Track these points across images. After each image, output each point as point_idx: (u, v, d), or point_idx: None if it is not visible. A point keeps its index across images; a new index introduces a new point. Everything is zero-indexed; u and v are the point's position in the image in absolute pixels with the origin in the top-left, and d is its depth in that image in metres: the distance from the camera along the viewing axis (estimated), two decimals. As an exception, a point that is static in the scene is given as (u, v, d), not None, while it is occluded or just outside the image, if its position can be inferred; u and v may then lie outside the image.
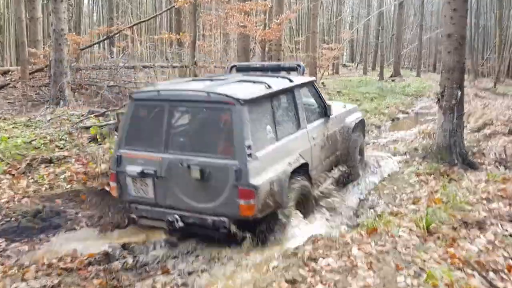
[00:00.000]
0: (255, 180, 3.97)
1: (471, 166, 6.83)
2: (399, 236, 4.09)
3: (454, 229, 4.36)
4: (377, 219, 4.75)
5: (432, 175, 5.98)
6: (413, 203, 5.14)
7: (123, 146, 4.56)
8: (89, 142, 6.94)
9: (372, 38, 34.54)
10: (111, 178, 4.67)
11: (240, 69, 6.26)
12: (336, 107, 6.24)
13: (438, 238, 4.11)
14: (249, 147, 3.99)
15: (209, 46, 15.07)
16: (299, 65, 5.94)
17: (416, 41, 31.97)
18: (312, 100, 5.72)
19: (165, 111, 4.39)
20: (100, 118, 8.15)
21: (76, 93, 11.32)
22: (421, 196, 5.30)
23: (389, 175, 6.46)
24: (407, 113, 14.85)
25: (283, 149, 4.55)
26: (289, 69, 5.93)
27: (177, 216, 4.27)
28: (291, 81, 5.11)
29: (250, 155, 3.98)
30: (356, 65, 39.19)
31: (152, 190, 4.38)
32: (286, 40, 24.43)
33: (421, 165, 6.72)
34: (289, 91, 4.99)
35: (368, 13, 30.82)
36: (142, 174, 4.32)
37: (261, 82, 4.64)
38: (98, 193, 5.74)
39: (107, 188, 5.33)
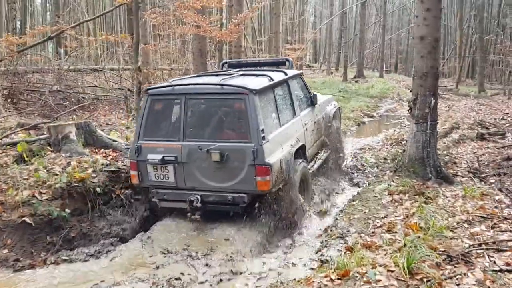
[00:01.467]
0: (269, 159, 4.61)
1: (445, 180, 6.29)
2: (377, 282, 3.39)
3: (438, 266, 3.71)
4: (348, 254, 4.05)
5: (407, 194, 5.36)
6: (388, 230, 4.48)
7: (142, 137, 5.06)
8: (14, 161, 5.89)
9: (335, 38, 34.35)
10: (131, 168, 5.15)
11: (231, 65, 7.04)
12: (320, 96, 7.05)
13: (422, 280, 3.45)
14: (262, 130, 4.61)
15: (164, 47, 14.10)
16: (287, 60, 6.87)
17: (379, 42, 32.05)
18: (301, 91, 6.36)
19: (182, 104, 4.91)
20: (32, 131, 7.07)
21: (9, 101, 10.07)
22: (396, 222, 4.64)
23: (358, 193, 5.79)
24: (372, 116, 14.42)
25: (285, 133, 5.22)
26: (278, 64, 6.87)
27: (198, 196, 4.81)
28: (285, 74, 5.88)
29: (263, 137, 4.61)
30: (319, 65, 38.97)
31: (173, 174, 4.92)
32: (248, 40, 23.68)
33: (393, 180, 6.10)
34: (285, 82, 5.73)
35: (331, 13, 30.58)
36: (163, 161, 4.86)
37: (263, 75, 5.41)
38: (17, 227, 4.77)
39: (28, 220, 4.82)
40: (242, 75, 5.49)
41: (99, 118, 10.56)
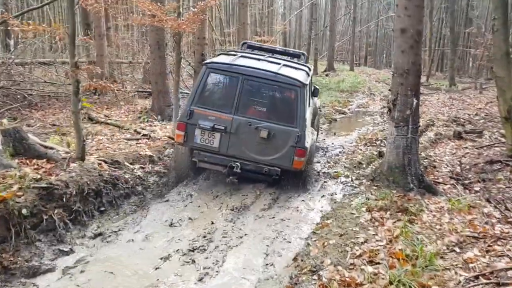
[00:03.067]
0: (307, 143, 5.52)
1: (428, 189, 5.65)
2: None
3: (433, 312, 3.02)
4: (324, 296, 3.29)
5: (388, 212, 4.65)
6: (370, 261, 3.76)
7: (195, 103, 5.66)
8: None
9: (305, 30, 33.70)
10: (178, 128, 5.71)
11: (250, 47, 7.78)
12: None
13: (416, 337, 2.74)
14: (306, 119, 5.58)
15: (122, 39, 12.97)
16: (303, 54, 7.68)
17: (349, 34, 31.61)
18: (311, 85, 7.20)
19: (238, 82, 5.59)
20: None
21: None
22: (378, 249, 3.92)
23: (333, 209, 5.06)
24: (344, 113, 13.79)
25: (309, 120, 6.04)
26: (294, 56, 7.54)
27: (238, 163, 5.59)
28: (309, 69, 6.64)
29: (306, 125, 5.55)
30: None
31: (218, 141, 5.59)
32: (215, 32, 22.64)
33: (371, 192, 5.40)
34: (311, 79, 6.59)
35: (300, 4, 29.83)
36: (213, 129, 5.53)
37: (302, 69, 6.20)
38: None
39: None
40: (284, 65, 6.02)
41: (47, 118, 9.46)
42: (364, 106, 15.35)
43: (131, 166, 6.29)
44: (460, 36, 27.24)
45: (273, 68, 5.76)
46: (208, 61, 6.12)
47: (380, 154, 7.96)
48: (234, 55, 6.26)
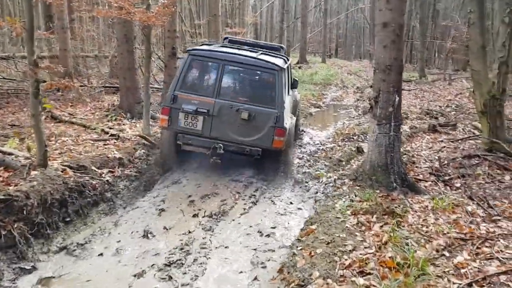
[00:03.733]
0: (286, 124, 5.82)
1: (411, 188, 5.51)
2: None
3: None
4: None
5: (374, 215, 4.45)
6: (361, 272, 3.54)
7: (178, 89, 5.88)
8: None
9: (277, 22, 33.38)
10: (163, 112, 5.91)
11: (232, 41, 7.94)
12: None
13: None
14: (284, 101, 5.88)
15: (87, 31, 12.29)
16: (282, 47, 7.99)
17: (320, 26, 31.53)
18: (290, 75, 7.46)
19: (219, 68, 5.87)
20: None
21: None
22: (368, 257, 3.72)
23: (317, 212, 4.82)
24: (319, 106, 13.64)
25: (288, 105, 6.33)
26: (274, 49, 7.55)
27: (221, 145, 5.80)
28: (288, 59, 7.04)
29: (285, 107, 5.85)
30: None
31: (201, 124, 5.81)
32: (185, 24, 22.04)
33: (354, 193, 5.19)
34: (289, 66, 6.96)
35: (272, -5, 29.51)
36: (196, 112, 5.76)
37: (281, 57, 6.60)
38: None
39: None
40: (263, 53, 6.41)
41: (5, 117, 8.82)
42: (338, 99, 15.25)
43: (99, 171, 5.86)
44: (428, 28, 27.63)
45: (252, 54, 6.16)
46: (190, 48, 6.47)
47: (359, 150, 7.82)
48: (216, 44, 6.90)
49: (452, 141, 8.71)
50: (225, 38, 8.31)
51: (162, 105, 6.23)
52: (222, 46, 6.65)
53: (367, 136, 6.45)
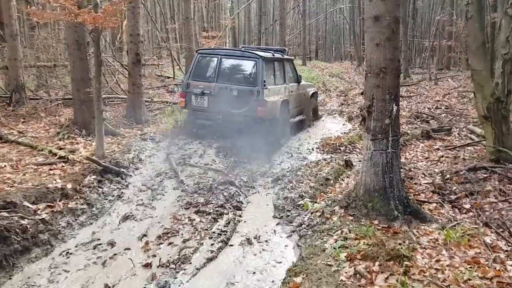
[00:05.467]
0: (266, 98, 7.61)
1: (415, 215, 4.55)
2: None
3: None
4: None
5: (376, 262, 3.46)
6: None
7: (190, 78, 8.15)
8: None
9: (255, 25, 32.50)
10: (181, 96, 8.22)
11: (246, 47, 9.98)
12: (304, 82, 10.46)
13: None
14: (264, 81, 7.65)
15: (44, 38, 11.07)
16: (284, 49, 10.50)
17: (299, 27, 30.72)
18: (290, 70, 9.46)
19: (217, 60, 8.01)
20: None
21: None
22: (374, 329, 2.71)
23: (302, 257, 3.80)
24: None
25: (277, 89, 8.32)
26: (279, 51, 9.84)
27: (220, 117, 7.77)
28: (283, 56, 9.33)
29: (264, 85, 7.65)
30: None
31: (207, 102, 7.88)
32: (158, 28, 20.90)
33: (347, 226, 4.20)
34: (281, 61, 8.95)
35: (248, -4, 28.57)
36: (202, 94, 7.86)
37: (269, 51, 9.11)
38: None
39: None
40: (257, 49, 9.01)
41: None
42: (321, 103, 14.32)
43: (33, 207, 4.75)
44: (408, 27, 27.10)
45: (242, 50, 8.55)
46: (198, 49, 9.67)
47: (347, 164, 6.87)
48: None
49: (449, 149, 7.83)
50: (243, 47, 10.44)
51: (179, 90, 8.79)
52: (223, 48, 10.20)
53: (361, 155, 5.48)
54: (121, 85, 12.15)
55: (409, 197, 4.92)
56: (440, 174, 6.16)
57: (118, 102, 11.30)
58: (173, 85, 15.34)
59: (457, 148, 7.83)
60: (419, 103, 13.95)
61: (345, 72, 25.90)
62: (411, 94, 15.54)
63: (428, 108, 12.80)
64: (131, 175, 6.31)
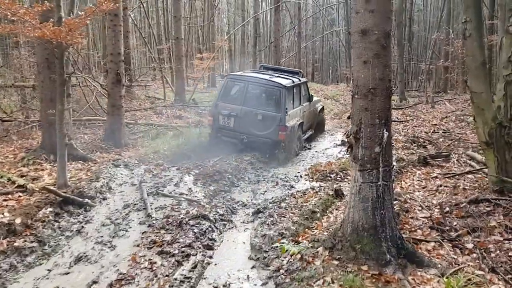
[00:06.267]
0: (287, 123, 8.43)
1: (410, 259, 3.92)
2: None
3: None
4: None
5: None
6: None
7: (219, 100, 8.91)
8: None
9: (251, 47, 32.30)
10: (210, 115, 9.04)
11: (265, 67, 11.40)
12: (314, 97, 11.27)
13: None
14: (286, 108, 8.42)
15: (18, 58, 10.55)
16: (300, 71, 11.11)
17: (294, 50, 30.52)
18: (304, 91, 10.43)
19: (244, 85, 8.80)
20: None
21: None
22: None
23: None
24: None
25: (295, 113, 9.07)
26: (294, 73, 10.74)
27: (245, 137, 8.54)
28: (299, 80, 9.99)
29: (286, 112, 8.41)
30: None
31: (233, 123, 8.62)
32: (149, 48, 20.54)
33: (331, 273, 3.56)
34: (298, 85, 9.69)
35: (243, 18, 28.38)
36: (229, 115, 8.61)
37: (290, 78, 9.44)
38: None
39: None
40: (278, 76, 9.37)
41: None
42: (314, 126, 13.75)
43: (-31, 247, 4.11)
44: (404, 50, 26.96)
45: (268, 77, 9.07)
46: (227, 74, 10.77)
47: (337, 193, 6.26)
48: (250, 70, 11.51)
49: (448, 177, 7.24)
50: (261, 66, 11.70)
51: (209, 110, 9.64)
52: (252, 72, 10.73)
53: (348, 187, 4.88)
54: (104, 107, 11.60)
55: (404, 235, 4.32)
56: (438, 207, 5.56)
57: (100, 124, 10.73)
58: (161, 106, 14.83)
59: (457, 176, 7.24)
60: (415, 126, 13.41)
61: (341, 95, 25.48)
62: (407, 118, 15.01)
63: (425, 132, 12.25)
64: (96, 206, 5.67)
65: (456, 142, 10.49)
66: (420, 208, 5.66)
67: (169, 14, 24.88)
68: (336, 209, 5.63)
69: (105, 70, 14.17)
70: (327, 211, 5.55)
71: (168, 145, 8.85)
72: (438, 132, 12.19)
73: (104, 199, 5.93)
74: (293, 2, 31.76)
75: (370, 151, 3.82)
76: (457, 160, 8.47)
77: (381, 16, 3.72)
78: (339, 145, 10.56)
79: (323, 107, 12.08)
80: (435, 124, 13.84)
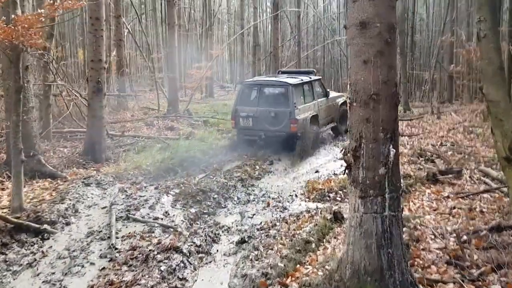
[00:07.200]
0: (297, 117, 9.26)
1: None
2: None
3: None
4: None
5: None
6: None
7: (237, 104, 9.93)
8: None
9: (250, 56, 31.72)
10: (232, 119, 10.04)
11: (282, 71, 13.12)
12: (333, 93, 12.55)
13: None
14: (295, 103, 9.32)
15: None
16: (313, 70, 12.44)
17: (295, 59, 29.88)
18: (319, 87, 11.22)
19: (258, 89, 9.90)
20: None
21: None
22: None
23: None
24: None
25: (307, 107, 9.94)
26: (308, 72, 11.89)
27: (262, 133, 9.52)
28: (310, 78, 10.85)
29: (295, 106, 9.29)
30: (234, 86, 36.08)
31: (251, 122, 9.64)
32: (144, 57, 19.93)
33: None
34: (309, 82, 10.55)
35: (241, 27, 27.75)
36: (247, 116, 9.66)
37: (297, 78, 10.36)
38: None
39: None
40: (287, 77, 10.53)
41: None
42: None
43: None
44: (407, 59, 26.26)
45: (276, 79, 10.29)
46: (242, 81, 12.97)
47: (336, 217, 5.46)
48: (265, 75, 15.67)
49: (462, 197, 6.43)
50: (278, 71, 13.26)
51: (231, 115, 10.15)
52: (265, 76, 13.34)
53: (346, 219, 4.10)
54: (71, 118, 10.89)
55: (417, 273, 3.51)
56: (454, 235, 4.75)
57: (82, 136, 9.99)
58: (153, 117, 14.12)
59: (471, 196, 6.43)
60: (421, 139, 12.61)
61: (343, 105, 24.77)
62: (412, 129, 14.21)
63: (431, 144, 11.42)
64: (57, 233, 4.89)
65: (466, 156, 9.70)
66: (432, 236, 4.84)
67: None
68: (335, 237, 4.82)
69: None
70: (324, 240, 4.74)
71: (152, 160, 8.07)
72: (446, 145, 11.36)
73: (67, 224, 5.15)
74: (293, 12, 31.24)
75: (373, 172, 3.04)
76: (469, 177, 7.63)
77: (384, 5, 2.97)
78: (339, 159, 9.76)
79: (345, 101, 12.41)
80: (442, 136, 13.00)
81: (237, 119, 9.80)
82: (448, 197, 6.53)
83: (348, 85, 3.14)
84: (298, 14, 25.40)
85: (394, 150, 3.04)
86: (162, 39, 25.68)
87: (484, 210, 5.71)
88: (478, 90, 23.56)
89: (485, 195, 6.46)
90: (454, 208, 5.95)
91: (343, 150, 3.21)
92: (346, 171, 3.21)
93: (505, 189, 6.09)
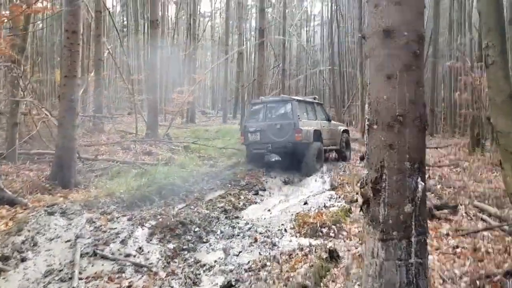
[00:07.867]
0: (300, 127, 10.25)
1: None
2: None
3: None
4: None
5: None
6: None
7: (247, 121, 11.26)
8: None
9: (234, 82, 31.51)
10: (241, 135, 11.24)
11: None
12: (333, 122, 13.15)
13: None
14: (298, 116, 10.39)
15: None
16: (315, 97, 13.16)
17: (279, 87, 29.78)
18: (321, 111, 12.33)
19: (264, 107, 10.99)
20: None
21: None
22: None
23: None
24: (275, 176, 10.77)
25: (309, 122, 10.94)
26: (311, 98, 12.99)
27: (269, 145, 10.44)
28: (314, 99, 12.53)
29: (299, 118, 10.37)
30: (216, 112, 35.63)
31: (259, 136, 10.60)
32: (124, 79, 19.31)
33: None
34: (311, 103, 11.88)
35: (226, 52, 27.54)
36: (255, 130, 10.66)
37: (300, 97, 12.28)
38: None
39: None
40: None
41: None
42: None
43: None
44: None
45: (281, 97, 12.53)
46: (250, 101, 15.29)
47: (331, 256, 4.88)
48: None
49: (462, 235, 5.96)
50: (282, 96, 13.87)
51: (241, 130, 11.78)
52: (271, 97, 14.93)
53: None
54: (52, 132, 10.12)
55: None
56: (465, 279, 4.22)
57: (51, 159, 9.21)
58: (130, 141, 13.40)
59: (470, 234, 5.96)
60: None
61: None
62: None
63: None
64: (9, 272, 4.13)
65: (456, 189, 9.33)
66: (441, 282, 4.30)
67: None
68: (333, 281, 4.23)
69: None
70: (322, 284, 4.14)
71: (127, 186, 7.37)
72: (434, 178, 11.07)
73: (23, 260, 4.39)
74: (277, 41, 31.36)
75: (397, 210, 2.50)
76: (465, 213, 7.23)
77: (412, 10, 2.52)
78: (328, 190, 9.25)
79: (347, 129, 13.73)
80: (428, 169, 12.75)
81: (246, 134, 10.78)
82: (447, 234, 6.05)
83: (367, 104, 2.63)
84: (283, 42, 25.39)
85: (423, 184, 2.52)
86: (144, 62, 25.16)
87: (489, 250, 5.23)
88: (459, 124, 23.58)
89: (485, 233, 6.02)
90: (457, 247, 5.44)
91: (360, 182, 2.67)
92: (363, 207, 2.67)
93: (506, 227, 5.67)
